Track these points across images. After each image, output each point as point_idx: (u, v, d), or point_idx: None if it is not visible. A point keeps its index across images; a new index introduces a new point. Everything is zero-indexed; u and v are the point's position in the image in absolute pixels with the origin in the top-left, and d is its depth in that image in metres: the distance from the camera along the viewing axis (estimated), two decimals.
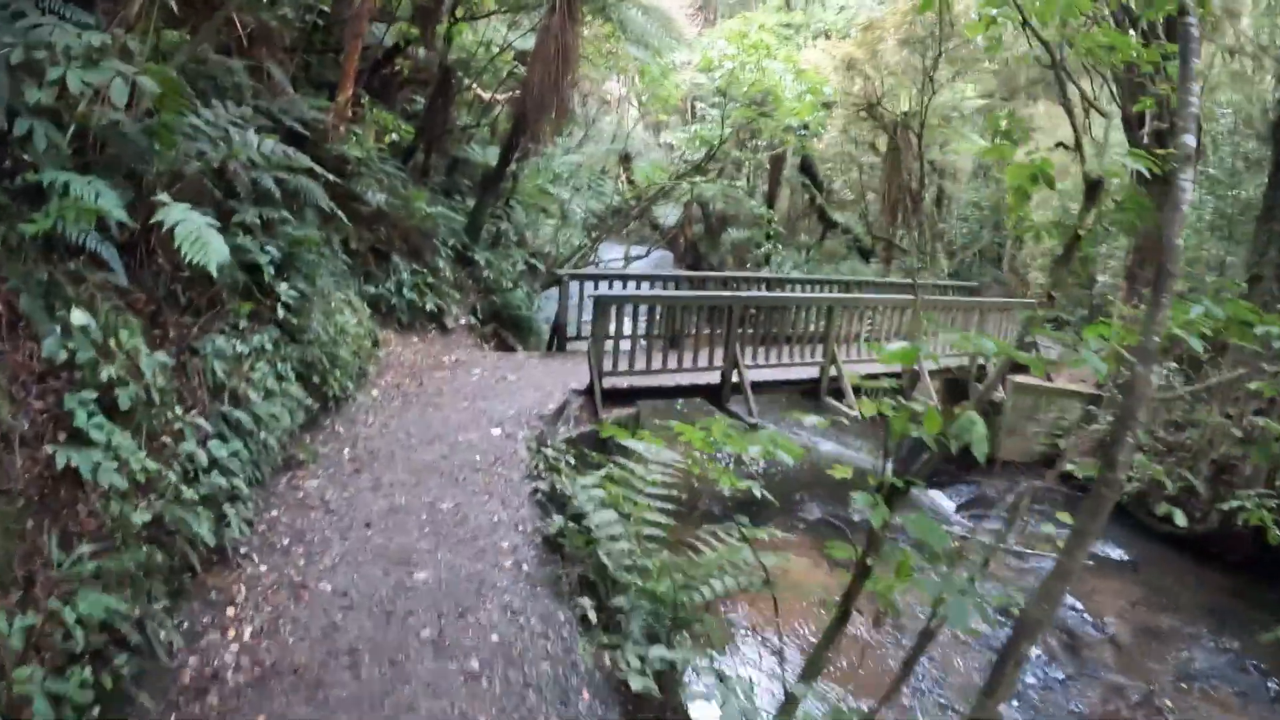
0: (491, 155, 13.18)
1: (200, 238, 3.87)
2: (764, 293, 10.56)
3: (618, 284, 11.20)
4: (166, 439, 4.10)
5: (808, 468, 13.04)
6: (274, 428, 5.15)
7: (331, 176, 6.56)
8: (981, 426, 3.83)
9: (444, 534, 5.16)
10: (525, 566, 4.83)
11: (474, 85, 14.71)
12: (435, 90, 13.07)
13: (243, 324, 5.17)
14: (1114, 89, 14.41)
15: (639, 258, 15.94)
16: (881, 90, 15.52)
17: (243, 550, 4.69)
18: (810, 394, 11.51)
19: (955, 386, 13.18)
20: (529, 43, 13.83)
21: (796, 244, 21.90)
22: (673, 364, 9.57)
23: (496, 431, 7.43)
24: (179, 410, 4.32)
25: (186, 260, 3.83)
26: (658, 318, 9.56)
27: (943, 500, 13.26)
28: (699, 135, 14.03)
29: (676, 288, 11.03)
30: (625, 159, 18.94)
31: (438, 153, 13.98)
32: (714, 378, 10.02)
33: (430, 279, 10.44)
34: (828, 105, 14.35)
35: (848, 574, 3.74)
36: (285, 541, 4.91)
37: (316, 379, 6.45)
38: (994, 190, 20.22)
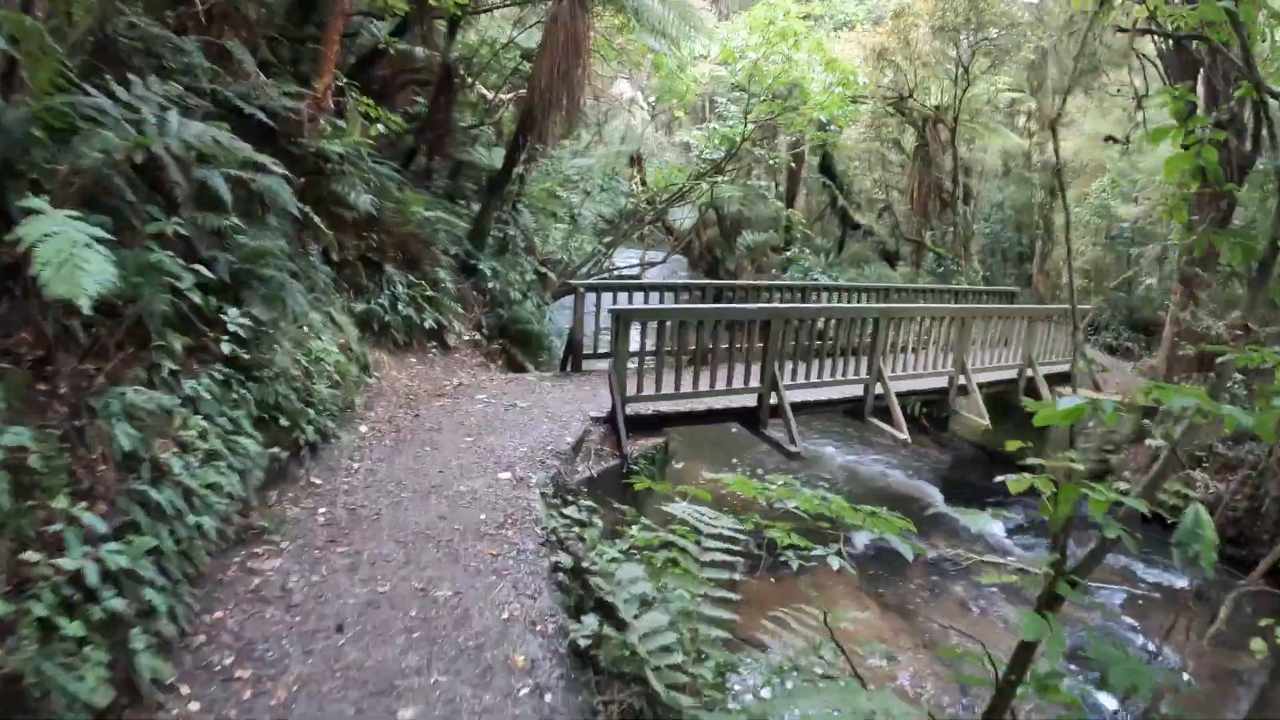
0: (497, 158, 11.89)
1: (70, 260, 2.57)
2: (805, 304, 9.23)
3: (638, 296, 9.86)
4: (33, 555, 2.77)
5: (849, 488, 11.74)
6: (213, 503, 3.82)
7: (294, 175, 5.20)
8: (1211, 530, 2.70)
9: (439, 642, 3.82)
10: (549, 696, 3.49)
11: (477, 84, 13.43)
12: (436, 88, 11.80)
13: (171, 367, 3.83)
14: (1164, 73, 13.05)
15: (655, 264, 14.63)
16: (914, 82, 14.17)
17: (168, 680, 3.36)
18: (853, 413, 10.19)
19: (995, 402, 11.78)
20: (534, 40, 12.53)
21: (814, 247, 20.57)
22: (704, 385, 8.23)
23: (505, 476, 6.10)
24: (64, 502, 2.99)
25: (43, 290, 2.51)
26: (686, 334, 8.26)
27: (990, 525, 11.86)
28: (718, 133, 12.72)
29: (702, 298, 9.71)
30: (636, 160, 17.60)
31: (440, 155, 12.68)
32: (750, 400, 8.71)
33: (429, 292, 9.12)
34: (856, 99, 13.01)
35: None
36: (228, 660, 3.58)
37: (285, 422, 5.13)
38: (1017, 189, 18.88)
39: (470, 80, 13.46)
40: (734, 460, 11.26)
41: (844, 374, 9.51)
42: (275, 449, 4.95)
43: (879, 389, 9.87)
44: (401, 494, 5.52)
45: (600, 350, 9.08)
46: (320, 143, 6.51)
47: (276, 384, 4.84)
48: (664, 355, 7.86)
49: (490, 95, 14.18)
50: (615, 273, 13.05)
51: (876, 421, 10.13)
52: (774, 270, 20.06)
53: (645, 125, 21.02)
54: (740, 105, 13.28)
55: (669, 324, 7.84)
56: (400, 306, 8.59)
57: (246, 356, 4.46)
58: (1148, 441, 12.62)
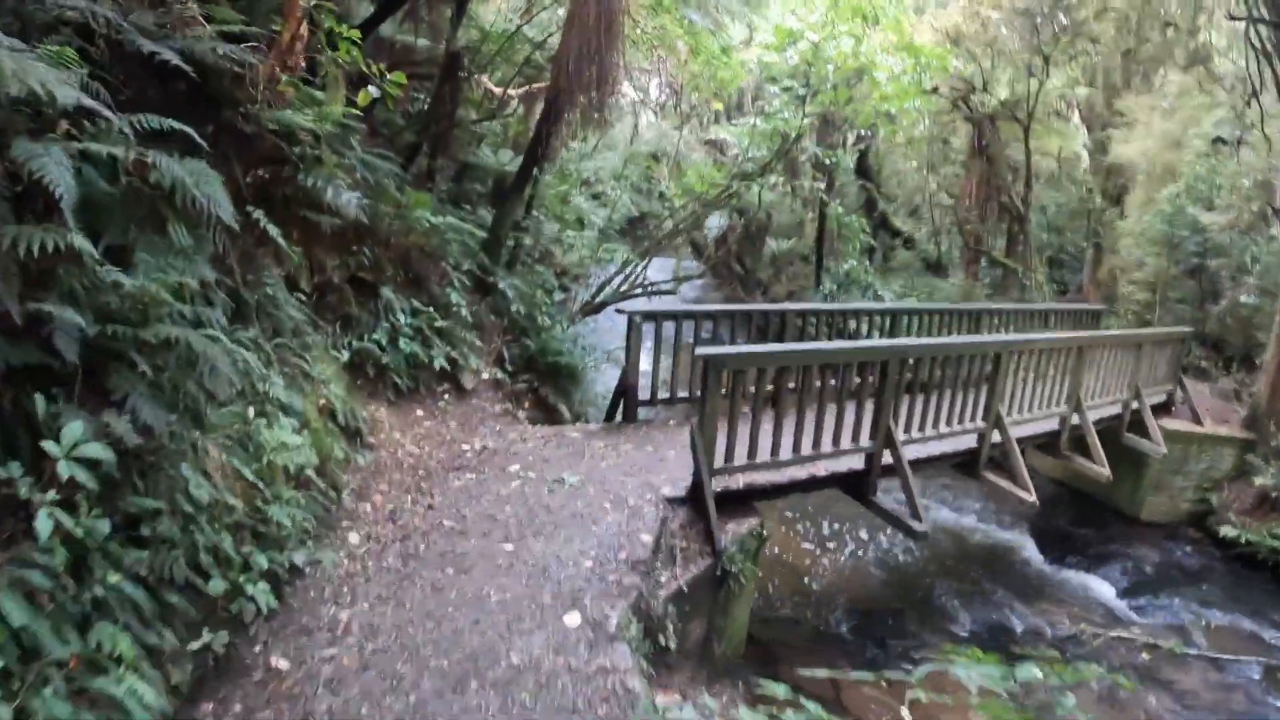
0: (505, 160, 9.62)
1: None
2: (924, 340, 6.96)
3: (693, 323, 7.50)
4: None
5: (946, 547, 9.52)
6: None
7: (240, 162, 2.88)
8: None
9: None
10: None
11: (484, 79, 11.16)
12: (441, 77, 9.53)
13: None
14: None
15: (690, 277, 12.41)
16: (988, 72, 11.97)
17: None
18: (964, 468, 7.96)
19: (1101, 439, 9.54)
20: (542, 29, 10.28)
21: (845, 253, 18.35)
22: (807, 446, 5.98)
23: (574, 622, 3.81)
24: None
25: None
26: (784, 381, 5.96)
27: (1098, 585, 9.72)
28: (765, 126, 10.50)
29: (781, 326, 7.41)
30: (656, 159, 15.29)
31: (443, 154, 10.37)
32: (856, 461, 6.48)
33: (439, 320, 6.80)
34: (926, 91, 10.80)
35: None
36: None
37: (218, 584, 2.81)
38: (1067, 194, 16.77)
39: (476, 74, 11.19)
40: (826, 534, 9.02)
41: (959, 422, 7.28)
42: (204, 640, 2.64)
43: (996, 436, 7.67)
44: (421, 680, 3.21)
45: (662, 397, 6.81)
46: (284, 115, 4.16)
47: (193, 531, 2.51)
48: (760, 411, 5.59)
49: (498, 91, 11.93)
50: (650, 287, 10.83)
51: (993, 478, 7.92)
52: (803, 285, 17.84)
53: (657, 125, 18.76)
54: (791, 95, 11.03)
55: (768, 371, 5.58)
56: (402, 342, 6.27)
57: (120, 501, 2.13)
58: (1256, 480, 10.58)
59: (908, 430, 6.71)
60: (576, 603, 3.98)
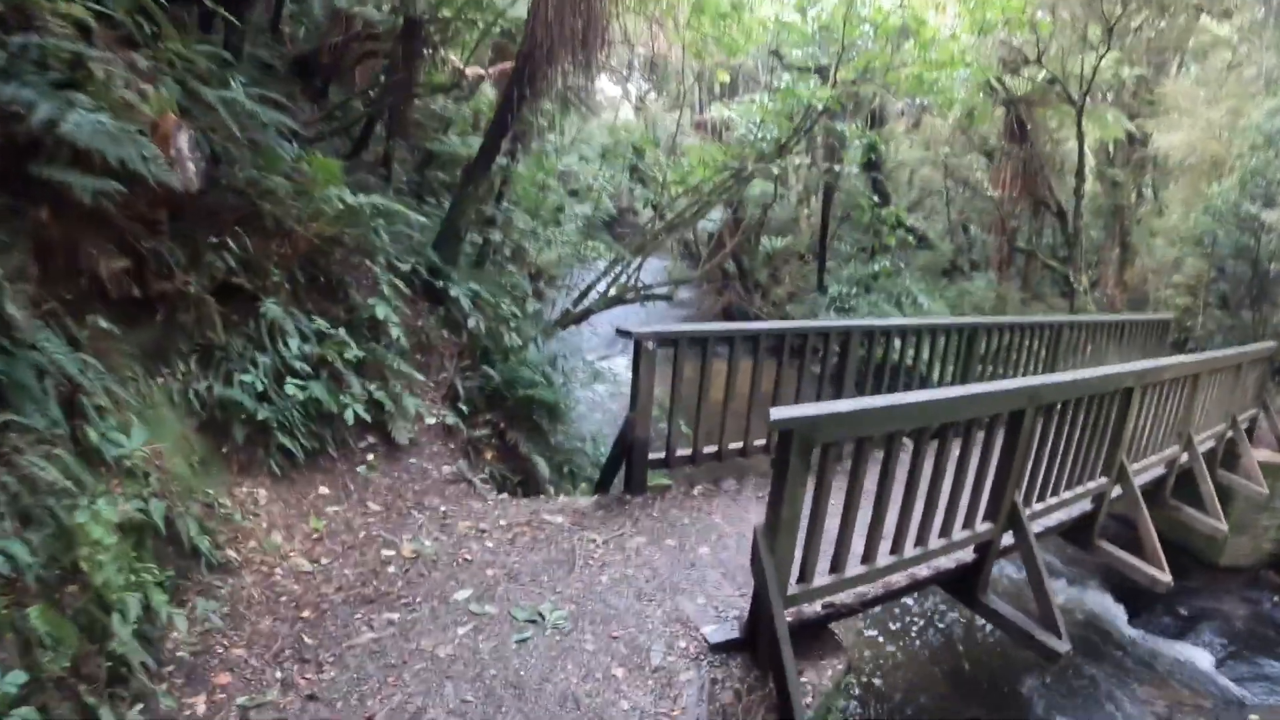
0: (475, 147, 7.40)
1: None
2: (1061, 377, 4.78)
3: (730, 346, 5.17)
4: None
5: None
6: None
7: None
8: None
9: None
10: None
11: (448, 54, 8.96)
12: (398, 42, 7.36)
13: None
14: None
15: (688, 279, 10.27)
16: (1044, 40, 9.84)
17: None
18: (1074, 536, 5.88)
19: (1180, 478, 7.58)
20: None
21: (843, 255, 16.26)
22: (909, 546, 3.81)
23: None
24: None
25: None
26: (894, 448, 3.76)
27: (1193, 654, 7.81)
28: (789, 97, 8.30)
29: (842, 352, 5.18)
30: (640, 152, 12.97)
31: (401, 136, 8.13)
32: (965, 553, 4.36)
33: (356, 347, 4.50)
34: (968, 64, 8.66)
35: None
36: None
37: None
38: (1096, 188, 14.82)
39: (441, 48, 8.95)
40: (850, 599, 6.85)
41: (1079, 481, 5.22)
42: None
43: (1116, 490, 5.65)
44: None
45: (679, 452, 4.57)
46: None
47: None
48: (857, 501, 3.42)
49: (468, 72, 9.73)
50: (643, 291, 8.64)
51: (1113, 549, 5.87)
52: (801, 286, 15.71)
53: (644, 113, 16.49)
54: (808, 66, 8.90)
55: (872, 438, 3.39)
56: (292, 385, 3.97)
57: None
58: None
59: (1027, 501, 4.60)
60: None
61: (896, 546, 3.78)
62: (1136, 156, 14.01)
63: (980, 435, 4.06)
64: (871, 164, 14.06)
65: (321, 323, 4.32)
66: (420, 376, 4.89)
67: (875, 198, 11.83)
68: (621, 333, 4.39)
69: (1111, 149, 14.21)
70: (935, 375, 5.76)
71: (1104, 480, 5.45)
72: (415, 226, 5.71)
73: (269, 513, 3.77)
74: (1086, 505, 5.51)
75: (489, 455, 5.44)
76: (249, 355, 3.96)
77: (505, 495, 4.71)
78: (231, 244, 4.10)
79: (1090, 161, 13.37)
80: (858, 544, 3.53)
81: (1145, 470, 6.24)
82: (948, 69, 8.15)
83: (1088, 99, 11.29)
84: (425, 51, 8.62)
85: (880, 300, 10.44)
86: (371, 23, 7.79)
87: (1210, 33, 13.75)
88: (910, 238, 12.09)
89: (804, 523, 3.24)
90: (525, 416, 5.82)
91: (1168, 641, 7.72)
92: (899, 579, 4.00)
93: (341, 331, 4.35)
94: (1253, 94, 13.06)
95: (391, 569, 3.54)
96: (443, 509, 4.18)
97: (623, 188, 16.27)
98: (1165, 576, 5.76)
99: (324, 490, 4.14)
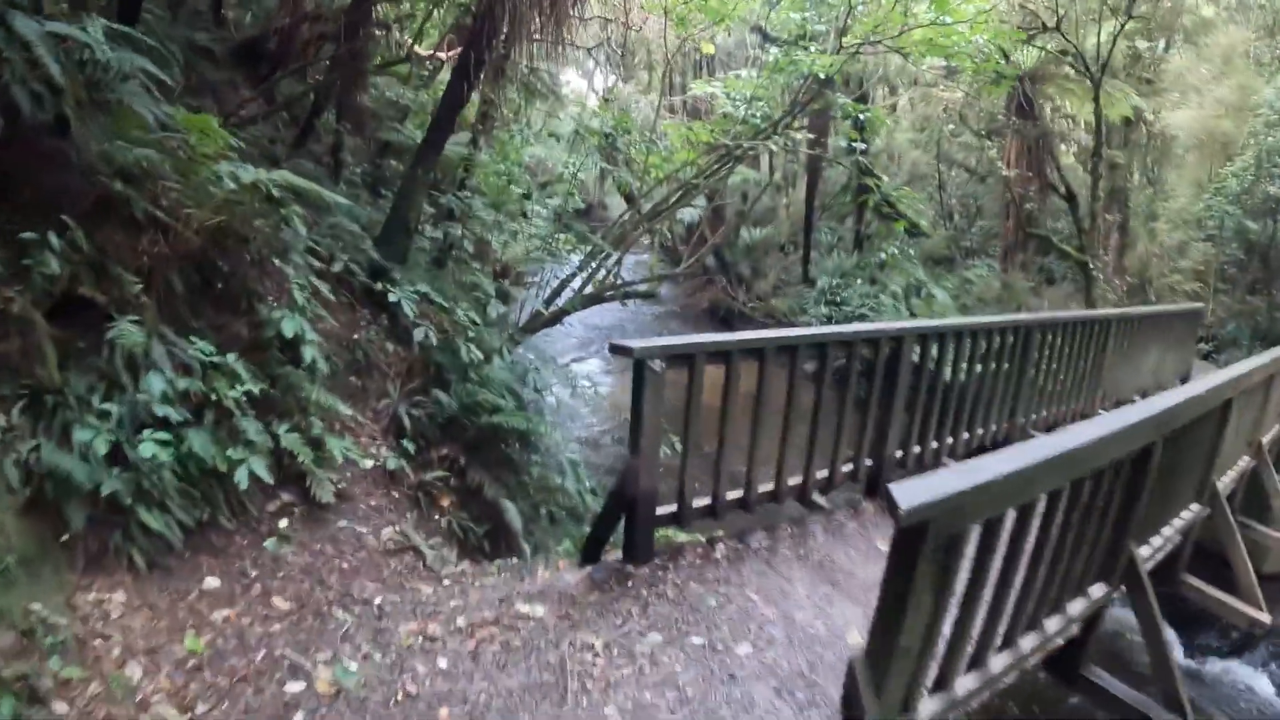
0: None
1: None
2: (1185, 394, 3.82)
3: (760, 361, 3.95)
4: None
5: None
6: None
7: None
8: None
9: None
10: None
11: (412, 43, 7.82)
12: (347, 13, 6.18)
13: None
14: None
15: (672, 274, 9.16)
16: (1064, 4, 8.83)
17: None
18: (1161, 573, 4.93)
19: None
20: None
21: (824, 245, 15.27)
22: (1025, 637, 2.76)
23: None
24: None
25: None
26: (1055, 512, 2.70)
27: (1253, 680, 7.00)
28: (789, 66, 7.22)
29: (892, 369, 4.08)
30: (611, 141, 11.79)
31: (353, 124, 6.98)
32: (1074, 625, 3.32)
33: (251, 379, 3.30)
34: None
35: None
36: None
37: None
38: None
39: (394, 28, 7.81)
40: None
41: (1175, 511, 4.29)
42: None
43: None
44: None
45: (695, 503, 3.45)
46: None
47: None
48: (980, 595, 2.35)
49: (427, 56, 8.61)
50: (624, 288, 7.52)
51: (1201, 585, 4.97)
52: (784, 279, 14.68)
53: (617, 97, 15.26)
54: (803, 36, 7.82)
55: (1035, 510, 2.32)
56: (150, 442, 2.76)
57: None
58: None
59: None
60: None
61: (1009, 640, 2.74)
62: (1135, 136, 13.25)
63: (1089, 481, 3.03)
64: (853, 147, 13.07)
65: (202, 347, 3.11)
66: (346, 410, 3.70)
67: (883, 179, 10.78)
68: (617, 349, 3.24)
69: (1106, 129, 13.42)
70: (978, 386, 4.74)
71: (1198, 509, 4.52)
72: (347, 213, 4.50)
73: (126, 630, 2.58)
74: (1176, 539, 4.56)
75: (446, 502, 4.27)
76: (88, 399, 2.75)
77: (465, 567, 3.55)
78: (79, 242, 2.88)
79: (1087, 143, 12.55)
80: (980, 632, 2.49)
81: (1226, 489, 5.35)
82: (966, 34, 7.14)
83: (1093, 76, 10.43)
84: (378, 33, 7.52)
85: (879, 293, 9.42)
86: (320, 2, 6.67)
87: (1196, 15, 13.06)
88: (908, 224, 11.12)
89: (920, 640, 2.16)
90: (490, 449, 4.66)
91: (1224, 666, 6.82)
92: (1009, 676, 2.95)
93: (230, 358, 3.14)
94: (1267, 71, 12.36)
95: (297, 714, 2.37)
96: (378, 602, 3.01)
97: (593, 177, 15.10)
98: (1264, 616, 4.85)
99: (211, 584, 2.95)
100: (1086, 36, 9.40)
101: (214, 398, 3.09)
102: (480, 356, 4.83)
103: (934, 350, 4.27)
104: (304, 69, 6.79)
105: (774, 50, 9.21)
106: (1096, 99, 9.25)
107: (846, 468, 4.12)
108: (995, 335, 4.75)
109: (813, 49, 7.47)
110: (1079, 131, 12.30)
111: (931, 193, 13.36)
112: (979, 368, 4.66)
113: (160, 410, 2.85)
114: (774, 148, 7.51)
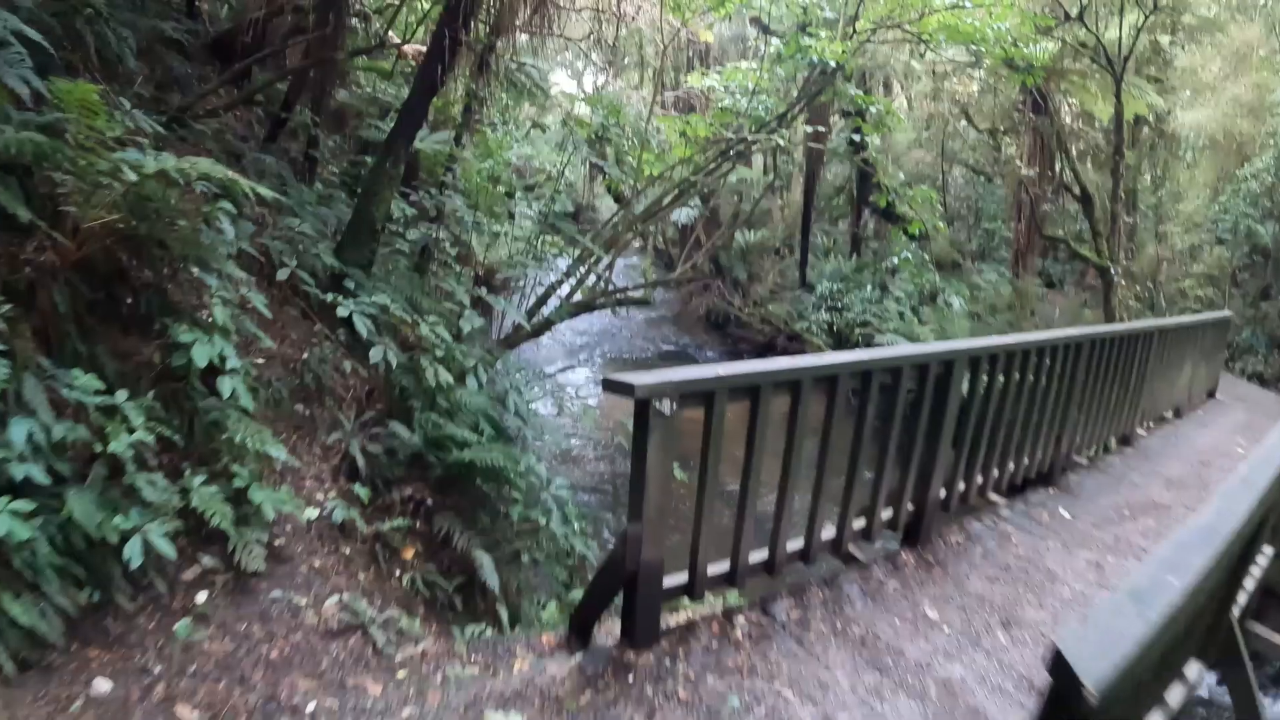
0: (423, 135, 5.65)
1: None
2: None
3: (794, 396, 3.27)
4: None
5: None
6: None
7: None
8: None
9: None
10: None
11: (393, 35, 7.19)
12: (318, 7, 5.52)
13: None
14: None
15: (668, 280, 8.51)
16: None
17: None
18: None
19: None
20: None
21: (819, 249, 14.68)
22: None
23: None
24: None
25: None
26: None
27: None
28: (792, 54, 6.59)
29: (928, 383, 3.47)
30: (603, 139, 11.11)
31: (329, 120, 6.32)
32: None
33: (151, 422, 2.63)
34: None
35: None
36: None
37: None
38: (1100, 173, 13.51)
39: (373, 19, 7.19)
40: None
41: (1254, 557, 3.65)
42: None
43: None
44: None
45: (712, 570, 2.82)
46: None
47: None
48: None
49: (408, 50, 7.96)
50: (617, 295, 6.86)
51: (1268, 633, 4.37)
52: (779, 284, 14.08)
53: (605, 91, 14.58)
54: (816, 15, 7.21)
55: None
56: (8, 514, 2.08)
57: None
58: None
59: None
60: None
61: None
62: (1143, 136, 12.73)
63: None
64: (854, 145, 12.48)
65: (85, 382, 2.42)
66: (281, 454, 3.02)
67: (894, 176, 10.17)
68: (613, 386, 2.58)
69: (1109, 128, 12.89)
70: (1027, 409, 4.13)
71: (1273, 552, 3.93)
72: (310, 214, 3.82)
73: None
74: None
75: (409, 555, 3.60)
76: None
77: (427, 646, 2.88)
78: None
79: (1099, 143, 12.02)
80: None
81: None
82: (987, 20, 6.54)
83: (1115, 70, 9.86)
84: (356, 24, 6.91)
85: (883, 299, 8.81)
86: None
87: (1207, 14, 12.58)
88: (922, 226, 10.49)
89: None
90: (462, 488, 3.99)
91: (1272, 704, 6.29)
92: None
93: (120, 397, 2.46)
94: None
95: None
96: (310, 710, 2.35)
97: (582, 177, 14.43)
98: None
99: (101, 688, 2.27)
100: (1107, 29, 8.84)
101: (101, 448, 2.41)
102: (450, 380, 4.16)
103: (984, 373, 3.66)
104: (279, 56, 6.17)
105: (775, 42, 8.62)
106: (1118, 94, 8.70)
107: (886, 513, 3.48)
108: (1046, 354, 4.15)
109: (824, 34, 6.86)
110: (1089, 130, 11.75)
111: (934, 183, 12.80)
112: (1025, 390, 4.06)
113: (19, 471, 2.17)
114: (780, 141, 6.87)
